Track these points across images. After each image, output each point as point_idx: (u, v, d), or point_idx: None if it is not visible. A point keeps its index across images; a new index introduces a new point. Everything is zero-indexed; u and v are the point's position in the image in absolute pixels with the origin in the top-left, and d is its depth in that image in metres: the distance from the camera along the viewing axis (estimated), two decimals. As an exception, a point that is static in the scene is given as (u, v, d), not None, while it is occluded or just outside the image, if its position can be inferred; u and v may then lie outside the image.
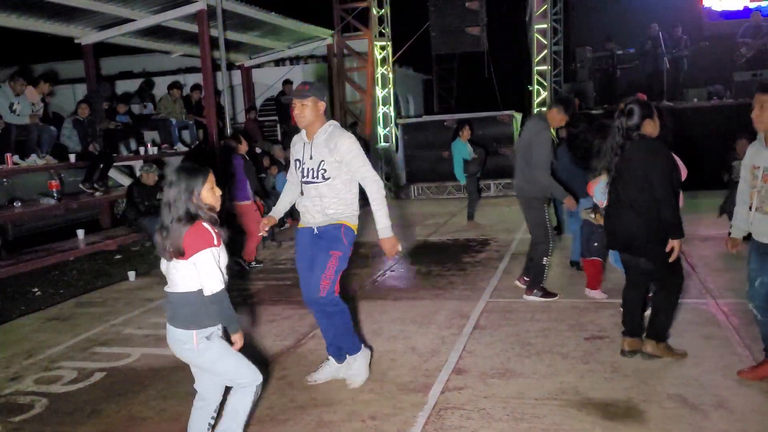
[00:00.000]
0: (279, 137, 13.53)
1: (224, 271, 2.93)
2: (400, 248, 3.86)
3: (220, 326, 3.00)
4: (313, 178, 3.80)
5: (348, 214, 3.87)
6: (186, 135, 11.18)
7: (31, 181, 8.22)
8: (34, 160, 8.04)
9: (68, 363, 4.80)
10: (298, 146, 3.95)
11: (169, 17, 9.38)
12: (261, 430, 3.55)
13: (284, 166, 11.23)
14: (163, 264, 2.96)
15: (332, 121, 3.89)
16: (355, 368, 4.05)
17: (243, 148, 7.57)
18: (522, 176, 5.53)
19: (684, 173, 4.42)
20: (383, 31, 13.99)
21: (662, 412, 3.44)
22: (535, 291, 5.62)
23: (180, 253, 2.83)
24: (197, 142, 10.85)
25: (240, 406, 3.11)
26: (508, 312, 5.35)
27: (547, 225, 5.52)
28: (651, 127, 4.05)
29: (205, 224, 2.87)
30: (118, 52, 12.37)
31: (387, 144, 14.29)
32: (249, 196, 7.53)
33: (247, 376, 3.06)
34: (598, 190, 4.85)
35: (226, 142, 8.00)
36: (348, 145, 3.75)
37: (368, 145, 13.99)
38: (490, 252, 7.83)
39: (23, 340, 5.46)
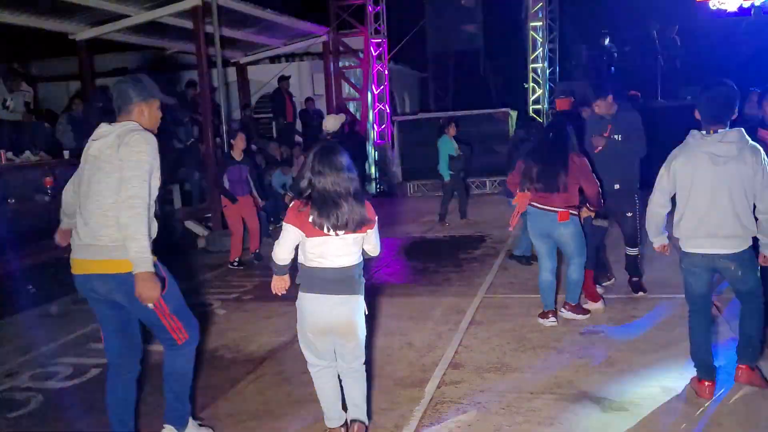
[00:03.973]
0: (274, 134, 13.50)
1: None
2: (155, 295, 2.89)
3: None
4: None
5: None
6: (181, 132, 11.14)
7: (26, 178, 8.17)
8: (28, 156, 8.00)
9: (64, 359, 4.80)
10: None
11: (163, 13, 9.34)
12: (259, 425, 3.55)
13: (280, 163, 11.22)
14: (325, 243, 3.00)
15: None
16: None
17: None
18: None
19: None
20: (379, 28, 13.98)
21: (656, 405, 3.47)
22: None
23: (368, 225, 3.05)
24: (193, 140, 10.82)
25: (363, 386, 3.25)
26: (504, 308, 5.36)
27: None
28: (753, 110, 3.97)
29: None
30: (113, 49, 12.31)
31: (383, 141, 14.29)
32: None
33: (363, 351, 3.21)
34: None
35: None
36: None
37: (365, 142, 13.98)
38: (486, 248, 7.84)
39: (19, 336, 5.44)
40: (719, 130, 3.35)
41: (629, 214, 5.28)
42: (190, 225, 9.00)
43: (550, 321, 4.84)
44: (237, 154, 7.57)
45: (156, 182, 2.98)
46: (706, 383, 3.49)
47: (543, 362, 4.16)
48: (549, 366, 4.09)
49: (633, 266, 5.49)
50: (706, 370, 3.52)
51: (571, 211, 4.69)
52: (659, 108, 11.63)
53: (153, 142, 2.97)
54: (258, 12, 10.57)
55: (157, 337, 3.17)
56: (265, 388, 4.00)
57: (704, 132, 3.40)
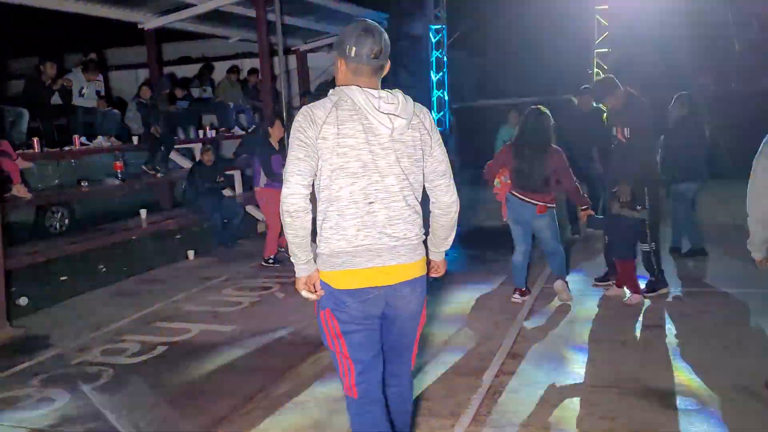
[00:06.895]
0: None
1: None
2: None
3: None
4: None
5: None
6: (243, 119, 11.38)
7: (97, 163, 8.54)
8: (100, 141, 8.36)
9: (132, 336, 5.00)
10: None
11: (227, 2, 9.51)
12: (317, 408, 3.60)
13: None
14: None
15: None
16: None
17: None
18: None
19: None
20: (438, 14, 13.83)
21: (729, 404, 3.31)
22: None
23: None
24: (254, 126, 11.02)
25: None
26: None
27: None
28: None
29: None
30: (179, 38, 12.66)
31: (441, 129, 14.20)
32: (258, 182, 7.08)
33: None
34: None
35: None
36: None
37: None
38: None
39: (90, 314, 5.70)
40: None
41: (639, 207, 5.05)
42: (251, 210, 9.18)
43: (515, 297, 5.19)
44: (275, 143, 7.02)
45: None
46: None
47: (604, 355, 4.05)
48: (611, 359, 3.98)
49: (648, 263, 5.21)
50: None
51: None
52: (734, 94, 11.04)
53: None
54: (319, 0, 10.63)
55: (394, 362, 2.53)
56: (321, 373, 4.04)
57: None
